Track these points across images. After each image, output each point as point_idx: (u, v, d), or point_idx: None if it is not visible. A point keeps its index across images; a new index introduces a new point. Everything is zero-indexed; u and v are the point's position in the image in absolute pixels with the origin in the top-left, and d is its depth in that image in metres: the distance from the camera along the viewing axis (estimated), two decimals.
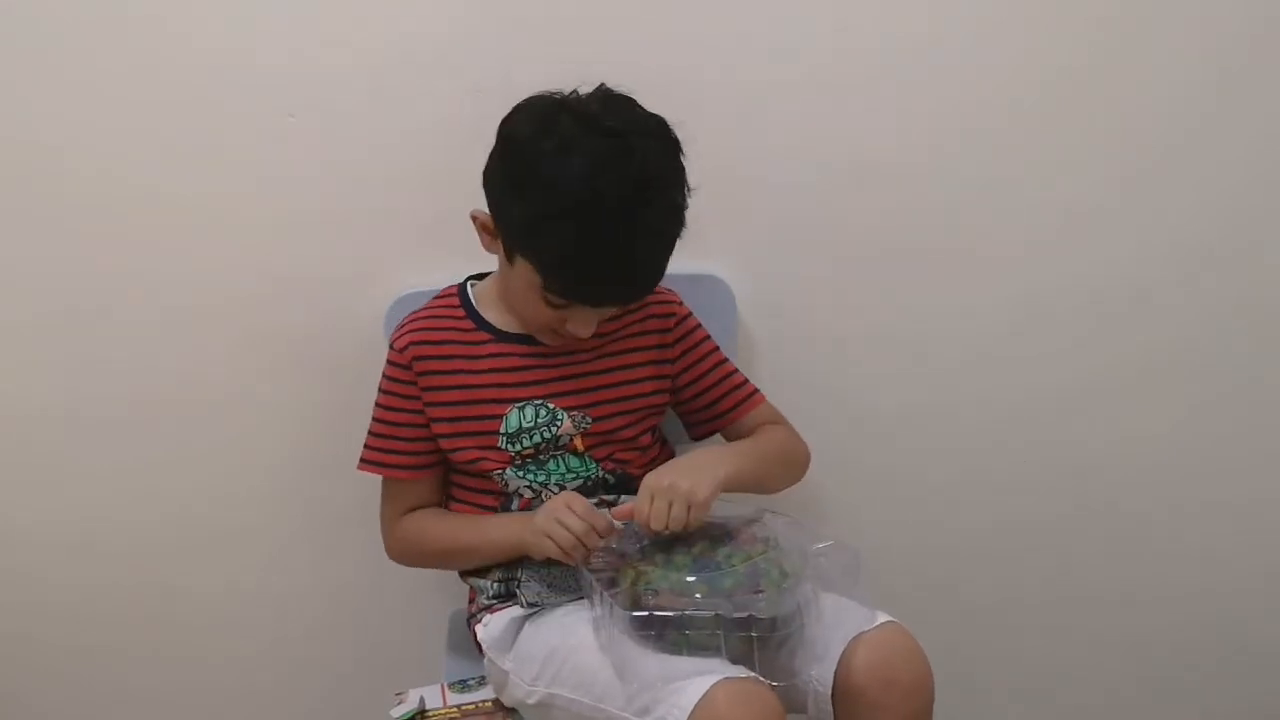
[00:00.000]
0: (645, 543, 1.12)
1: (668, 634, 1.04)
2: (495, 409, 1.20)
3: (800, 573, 1.08)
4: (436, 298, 1.27)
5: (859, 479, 1.50)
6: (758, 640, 1.05)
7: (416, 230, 1.36)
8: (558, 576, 1.18)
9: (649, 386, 1.25)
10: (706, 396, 1.29)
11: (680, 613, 1.04)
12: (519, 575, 1.20)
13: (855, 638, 1.08)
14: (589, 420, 1.22)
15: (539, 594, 1.18)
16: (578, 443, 1.21)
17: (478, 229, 1.18)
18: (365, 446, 1.25)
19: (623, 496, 1.21)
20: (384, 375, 1.24)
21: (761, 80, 1.35)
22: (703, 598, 1.05)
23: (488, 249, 1.19)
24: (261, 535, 1.45)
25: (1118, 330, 1.49)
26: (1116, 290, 1.47)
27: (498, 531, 1.20)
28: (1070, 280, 1.46)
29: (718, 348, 1.30)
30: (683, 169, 1.12)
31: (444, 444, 1.22)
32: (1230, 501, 1.56)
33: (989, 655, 1.61)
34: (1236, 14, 1.39)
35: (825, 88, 1.36)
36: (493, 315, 1.23)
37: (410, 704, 1.22)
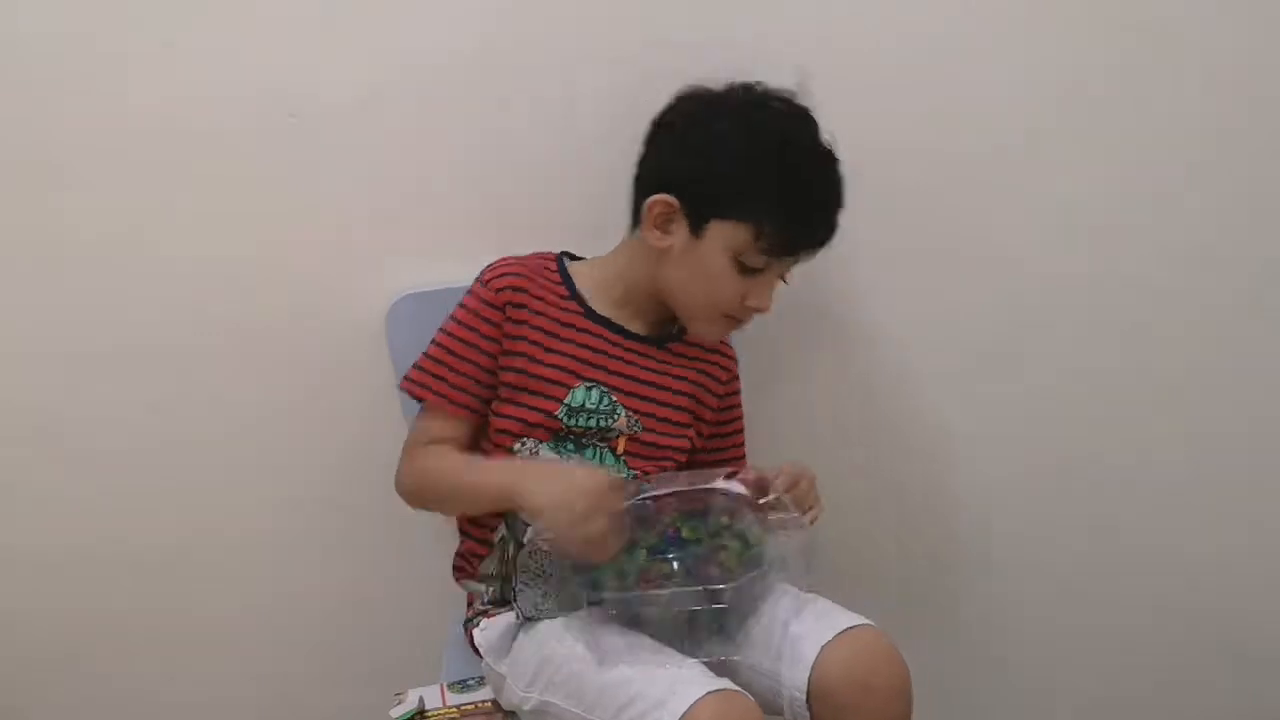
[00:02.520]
0: None
1: (630, 615, 1.07)
2: (566, 378, 1.21)
3: (763, 542, 1.10)
4: (534, 254, 1.27)
5: (851, 480, 1.50)
6: (717, 614, 1.07)
7: (416, 230, 1.36)
8: (551, 588, 1.17)
9: (690, 419, 1.28)
10: (711, 443, 1.33)
11: (635, 594, 1.06)
12: (515, 586, 1.19)
13: (829, 641, 1.08)
14: (639, 426, 1.23)
15: (536, 605, 1.17)
16: (620, 444, 1.22)
17: (651, 216, 1.18)
18: (419, 369, 1.23)
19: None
20: (464, 306, 1.23)
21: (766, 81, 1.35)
22: (659, 577, 1.07)
23: (654, 241, 1.19)
24: (261, 535, 1.45)
25: (1116, 336, 1.49)
26: (1114, 296, 1.47)
27: (498, 470, 1.18)
28: (1069, 284, 1.47)
29: (742, 414, 1.35)
30: None
31: (505, 393, 1.22)
32: (1231, 507, 1.57)
33: (978, 661, 1.61)
34: (1241, 16, 1.39)
35: (825, 88, 1.36)
36: (587, 293, 1.25)
37: (409, 704, 1.22)
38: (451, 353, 1.22)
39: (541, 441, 1.21)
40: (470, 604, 1.27)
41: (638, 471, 1.23)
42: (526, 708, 1.15)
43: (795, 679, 1.08)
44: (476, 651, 1.24)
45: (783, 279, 1.22)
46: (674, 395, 1.26)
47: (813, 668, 1.08)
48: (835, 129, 1.34)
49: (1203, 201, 1.45)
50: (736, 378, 1.34)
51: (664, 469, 1.25)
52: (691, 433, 1.28)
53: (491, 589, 1.23)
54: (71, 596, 1.44)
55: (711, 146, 1.16)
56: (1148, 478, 1.55)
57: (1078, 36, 1.39)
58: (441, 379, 1.22)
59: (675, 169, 1.19)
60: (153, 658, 1.49)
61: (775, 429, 1.42)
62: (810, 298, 1.43)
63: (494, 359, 1.21)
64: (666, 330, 1.28)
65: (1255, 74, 1.41)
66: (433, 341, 1.23)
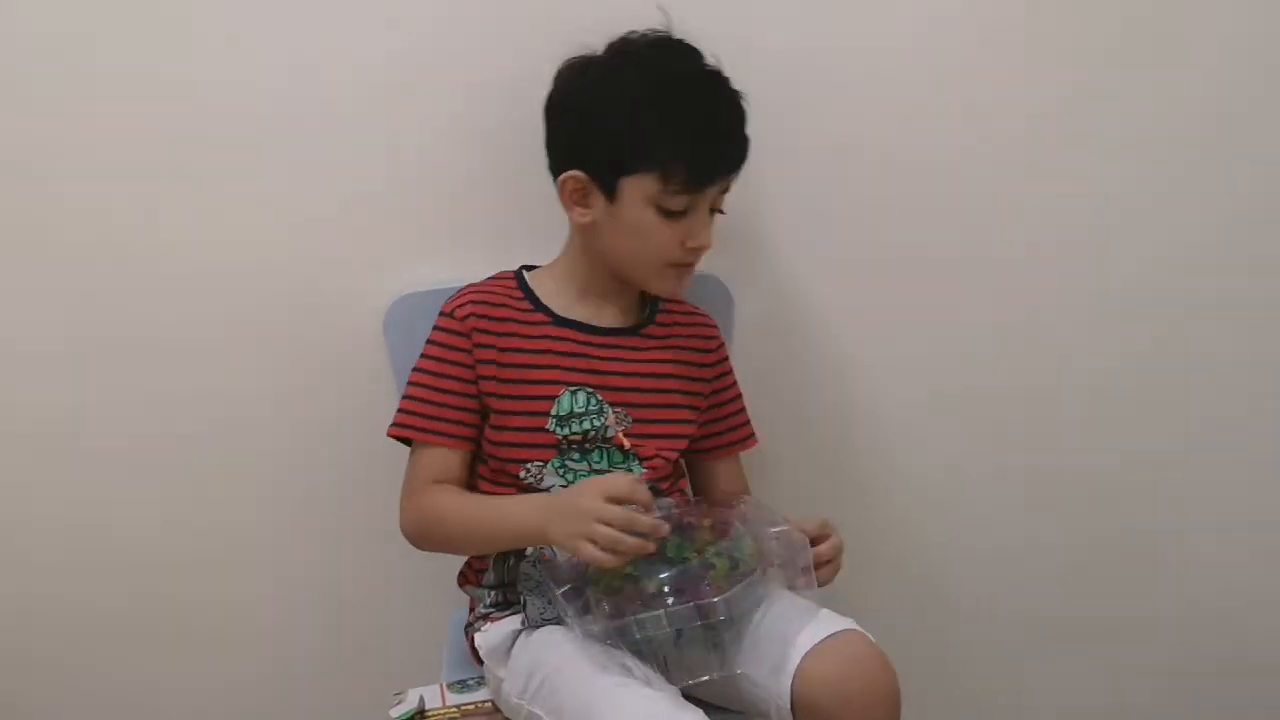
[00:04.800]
0: None
1: (627, 636, 1.05)
2: (549, 389, 1.21)
3: (753, 561, 1.08)
4: (490, 279, 1.27)
5: (853, 481, 1.50)
6: (709, 630, 1.06)
7: (416, 230, 1.36)
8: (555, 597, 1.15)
9: (686, 400, 1.27)
10: (713, 426, 1.31)
11: (633, 617, 1.04)
12: (521, 596, 1.19)
13: (812, 648, 1.06)
14: (629, 419, 1.22)
15: (542, 612, 1.17)
16: (622, 439, 1.21)
17: (565, 195, 1.19)
18: (401, 411, 1.22)
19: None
20: (433, 342, 1.23)
21: (761, 81, 1.34)
22: (650, 595, 1.05)
23: (578, 218, 1.20)
24: (261, 535, 1.45)
25: (1120, 337, 1.49)
26: (1119, 296, 1.48)
27: (515, 514, 1.16)
28: (1073, 286, 1.47)
29: (736, 382, 1.33)
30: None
31: (494, 419, 1.21)
32: (1234, 510, 1.57)
33: (978, 665, 1.61)
34: (1245, 17, 1.40)
35: (825, 89, 1.36)
36: (550, 299, 1.25)
37: (409, 704, 1.22)
38: (429, 388, 1.21)
39: (545, 462, 1.20)
40: (472, 609, 1.27)
41: (648, 469, 1.22)
42: (520, 716, 1.14)
43: (779, 688, 1.07)
44: (476, 657, 1.23)
45: (718, 210, 1.21)
46: (659, 380, 1.25)
47: (795, 676, 1.06)
48: (835, 130, 1.35)
49: (1203, 200, 1.45)
50: (723, 346, 1.32)
51: (672, 449, 1.24)
52: (688, 413, 1.27)
53: (494, 594, 1.23)
54: (70, 596, 1.44)
55: (591, 108, 1.17)
56: (1148, 479, 1.55)
57: (1085, 40, 1.39)
58: (433, 417, 1.21)
59: (569, 143, 1.19)
60: (152, 657, 1.49)
61: (767, 429, 1.42)
62: (803, 299, 1.43)
63: (473, 384, 1.21)
64: (638, 316, 1.27)
65: (1255, 73, 1.42)
66: (409, 383, 1.23)
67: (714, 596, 1.04)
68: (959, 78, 1.38)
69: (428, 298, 1.32)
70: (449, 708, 1.23)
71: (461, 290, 1.25)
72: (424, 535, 1.21)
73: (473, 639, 1.24)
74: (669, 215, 1.15)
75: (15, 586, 1.43)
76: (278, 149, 1.31)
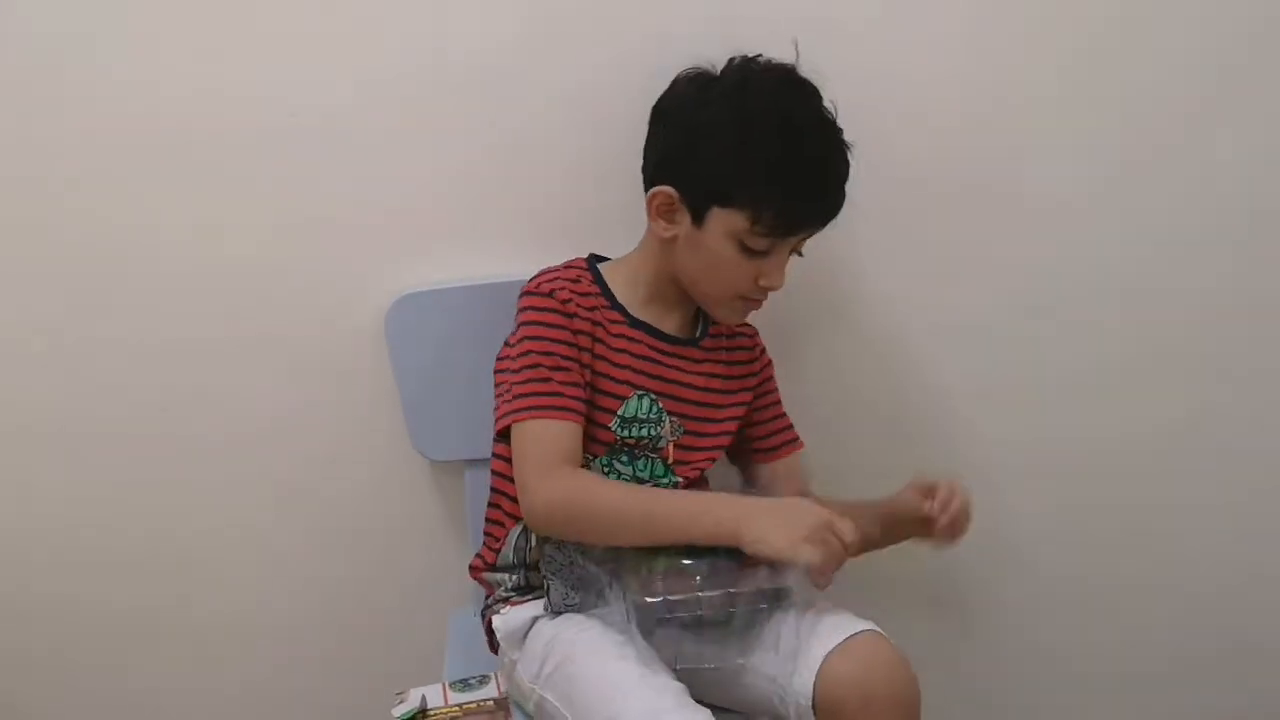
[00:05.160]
0: None
1: (681, 619, 1.05)
2: (620, 389, 1.19)
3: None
4: (566, 264, 1.24)
5: (859, 475, 1.49)
6: (758, 614, 1.07)
7: (416, 230, 1.36)
8: (580, 580, 1.16)
9: (732, 413, 1.27)
10: (759, 429, 1.31)
11: (694, 595, 1.05)
12: (545, 580, 1.18)
13: (834, 648, 1.07)
14: (682, 430, 1.22)
15: (565, 598, 1.16)
16: (669, 452, 1.21)
17: (653, 211, 1.18)
18: (520, 396, 1.14)
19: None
20: (533, 322, 1.16)
21: None
22: (704, 579, 1.06)
23: (661, 232, 1.18)
24: (262, 535, 1.45)
25: (1117, 324, 1.49)
26: (1116, 283, 1.48)
27: (701, 509, 1.10)
28: (1074, 278, 1.47)
29: (777, 388, 1.33)
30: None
31: None
32: (1233, 497, 1.57)
33: (986, 659, 1.61)
34: (1237, 7, 1.40)
35: (823, 89, 1.36)
36: (622, 297, 1.23)
37: (411, 703, 1.22)
38: (551, 367, 1.15)
39: (596, 457, 1.19)
40: (490, 593, 1.26)
41: (682, 480, 1.22)
42: (531, 702, 1.15)
43: (800, 686, 1.07)
44: (490, 640, 1.23)
45: (797, 252, 1.20)
46: (709, 393, 1.25)
47: (817, 675, 1.06)
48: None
49: (1204, 199, 1.46)
50: (765, 353, 1.32)
51: (709, 460, 1.25)
52: (731, 425, 1.27)
53: (515, 576, 1.22)
54: (71, 596, 1.44)
55: (701, 133, 1.15)
56: (1155, 477, 1.55)
57: (1077, 27, 1.39)
58: (558, 394, 1.14)
59: (670, 158, 1.17)
60: (153, 657, 1.48)
61: None
62: (815, 296, 1.43)
63: (579, 363, 1.16)
64: (696, 327, 1.27)
65: (1258, 65, 1.42)
66: (514, 372, 1.16)
67: (764, 576, 1.06)
68: (959, 74, 1.38)
69: (428, 298, 1.32)
70: (451, 706, 1.23)
71: (543, 274, 1.21)
72: (569, 519, 1.12)
73: (490, 621, 1.23)
74: (749, 253, 1.15)
75: (15, 588, 1.43)
76: (278, 149, 1.31)
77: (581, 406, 1.16)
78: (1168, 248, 1.47)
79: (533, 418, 1.13)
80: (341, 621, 1.50)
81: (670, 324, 1.24)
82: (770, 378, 1.33)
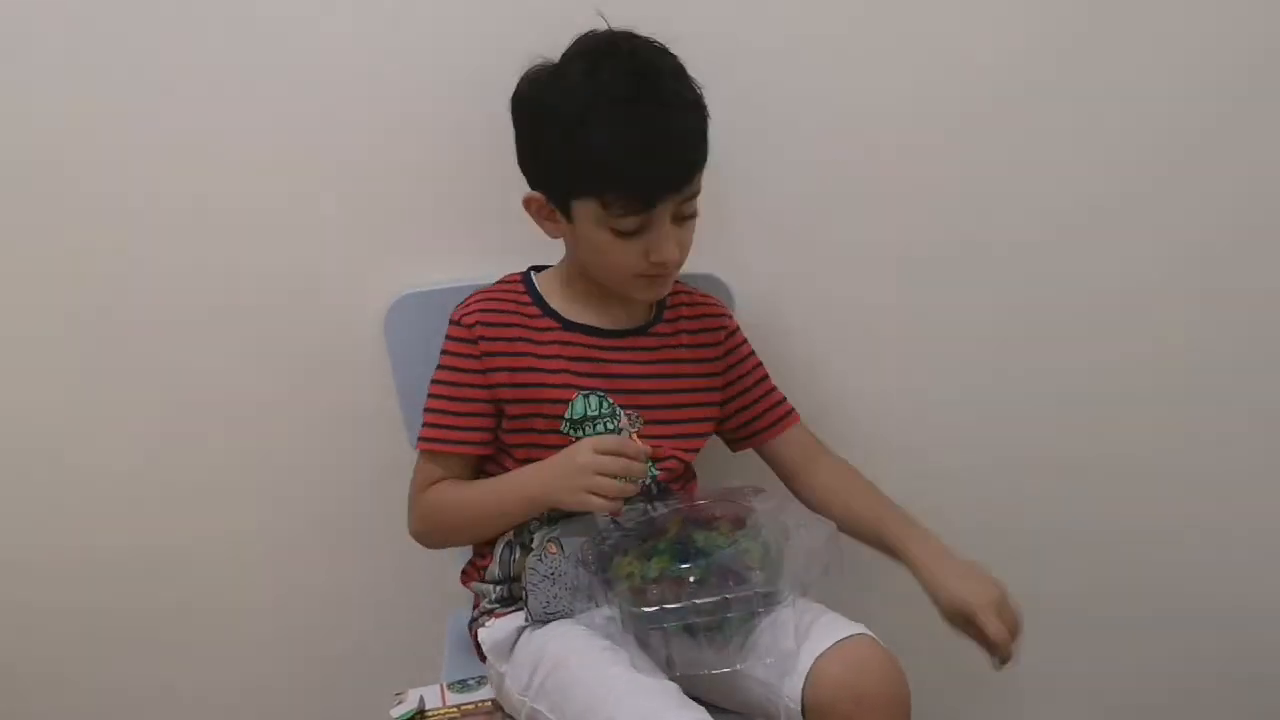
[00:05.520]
0: (617, 535, 1.13)
1: (671, 624, 1.05)
2: (561, 394, 1.19)
3: (782, 545, 1.09)
4: (499, 282, 1.26)
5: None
6: (751, 619, 1.07)
7: (416, 230, 1.36)
8: (562, 589, 1.16)
9: (701, 398, 1.26)
10: (747, 413, 1.30)
11: (689, 602, 1.05)
12: (524, 591, 1.18)
13: (824, 652, 1.07)
14: (641, 421, 1.22)
15: (546, 607, 1.17)
16: (636, 440, 1.20)
17: (533, 215, 1.19)
18: (426, 425, 1.22)
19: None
20: (446, 351, 1.21)
21: (759, 81, 1.35)
22: (697, 582, 1.06)
23: (551, 234, 1.19)
24: (262, 535, 1.45)
25: (1118, 337, 1.49)
26: (1114, 293, 1.47)
27: (514, 486, 1.18)
28: (1072, 280, 1.46)
29: (760, 363, 1.32)
30: (680, 63, 1.14)
31: (509, 424, 1.20)
32: (1234, 509, 1.57)
33: (980, 669, 1.61)
34: (1242, 16, 1.40)
35: (822, 90, 1.36)
36: (557, 303, 1.24)
37: (410, 704, 1.22)
38: (450, 399, 1.21)
39: None
40: (476, 604, 1.27)
41: (661, 472, 1.21)
42: (522, 714, 1.14)
43: (790, 690, 1.07)
44: (479, 653, 1.23)
45: (683, 217, 1.15)
46: (669, 380, 1.24)
47: (807, 678, 1.06)
48: (834, 129, 1.35)
49: (1202, 198, 1.45)
50: (734, 330, 1.30)
51: (688, 448, 1.24)
52: (704, 410, 1.26)
53: (499, 589, 1.23)
54: (71, 596, 1.44)
55: (533, 127, 1.15)
56: (1153, 480, 1.55)
57: (1080, 36, 1.39)
58: (453, 428, 1.20)
59: (523, 163, 1.18)
60: (151, 658, 1.49)
61: None
62: (810, 297, 1.43)
63: (486, 390, 1.20)
64: (646, 315, 1.26)
65: (1256, 72, 1.42)
66: (429, 394, 1.22)
67: (759, 579, 1.06)
68: (958, 73, 1.38)
69: (428, 298, 1.32)
70: (449, 708, 1.23)
71: (469, 298, 1.23)
72: (431, 529, 1.24)
73: (476, 634, 1.23)
74: (625, 235, 1.13)
75: (15, 588, 1.43)
76: (278, 148, 1.31)
77: (474, 436, 1.21)
78: (1165, 253, 1.47)
79: (422, 448, 1.22)
80: (341, 622, 1.50)
81: (615, 318, 1.24)
82: (746, 356, 1.31)
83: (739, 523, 1.12)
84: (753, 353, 1.32)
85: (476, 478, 1.24)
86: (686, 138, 1.12)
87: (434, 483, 1.22)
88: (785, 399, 1.32)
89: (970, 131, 1.40)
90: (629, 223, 1.12)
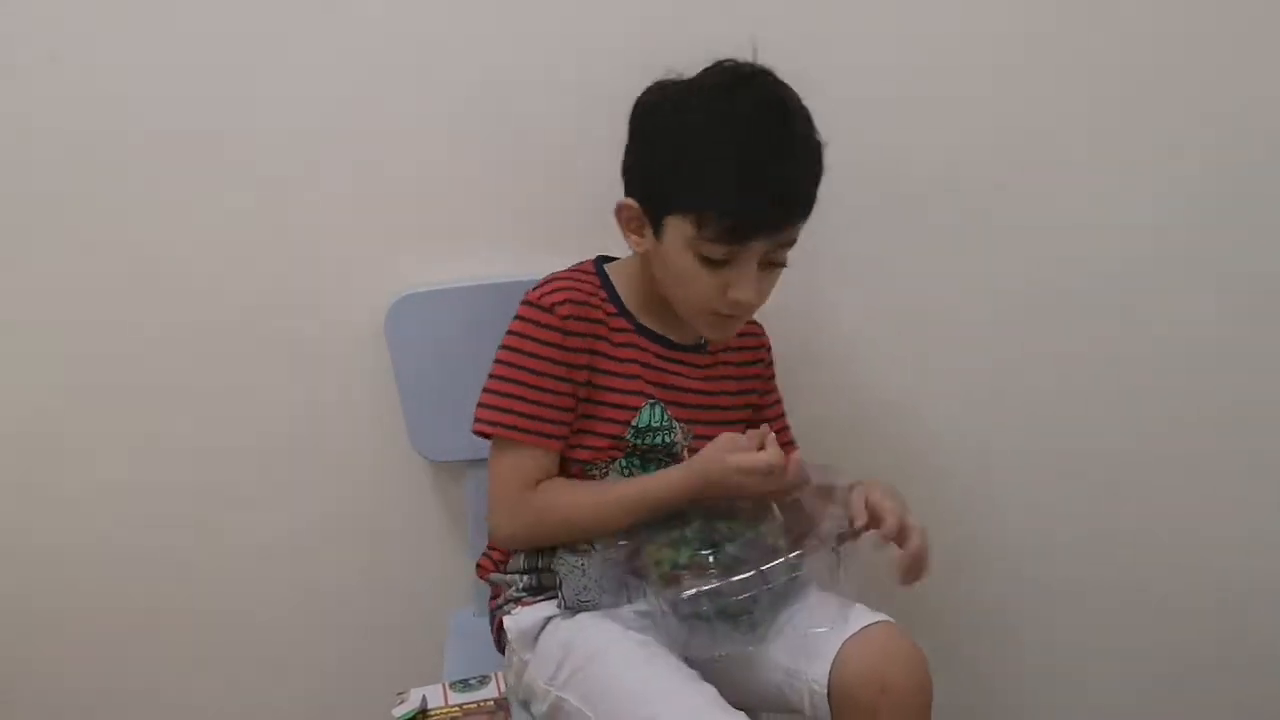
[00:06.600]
0: (641, 527, 1.13)
1: (706, 609, 1.06)
2: (632, 400, 1.18)
3: (806, 527, 1.10)
4: (574, 268, 1.22)
5: (860, 473, 1.50)
6: (780, 598, 1.09)
7: (416, 230, 1.36)
8: (593, 579, 1.16)
9: (740, 415, 1.27)
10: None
11: (726, 580, 1.06)
12: (558, 579, 1.17)
13: (849, 638, 1.08)
14: (692, 436, 1.21)
15: (579, 596, 1.16)
16: (685, 456, 1.19)
17: (621, 223, 1.17)
18: (491, 408, 1.15)
19: None
20: (524, 335, 1.15)
21: None
22: (728, 564, 1.07)
23: (635, 246, 1.17)
24: (262, 535, 1.45)
25: (1120, 334, 1.49)
26: (1119, 288, 1.48)
27: (662, 491, 1.13)
28: (1076, 276, 1.47)
29: (778, 393, 1.33)
30: (809, 111, 1.12)
31: (579, 423, 1.17)
32: (1233, 506, 1.57)
33: (992, 656, 1.62)
34: (1238, 16, 1.40)
35: (822, 87, 1.36)
36: (632, 305, 1.22)
37: (412, 703, 1.22)
38: (525, 384, 1.14)
39: (613, 460, 1.19)
40: (496, 595, 1.25)
41: None
42: (544, 706, 1.14)
43: (815, 675, 1.08)
44: (498, 642, 1.23)
45: (775, 264, 1.14)
46: (717, 397, 1.24)
47: (832, 664, 1.07)
48: (833, 129, 1.35)
49: (1202, 197, 1.46)
50: (769, 352, 1.31)
51: None
52: (740, 428, 1.24)
53: (527, 578, 1.21)
54: (71, 596, 1.44)
55: (649, 137, 1.14)
56: (1153, 476, 1.55)
57: (1079, 34, 1.39)
58: (525, 415, 1.14)
59: (628, 167, 1.16)
60: (151, 657, 1.48)
61: None
62: (810, 296, 1.43)
63: (572, 384, 1.15)
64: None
65: (1255, 71, 1.42)
66: (495, 376, 1.16)
67: (781, 565, 1.07)
68: (961, 72, 1.38)
69: (428, 298, 1.32)
70: (451, 707, 1.23)
71: (549, 281, 1.18)
72: (541, 537, 1.18)
73: (499, 622, 1.22)
74: (710, 263, 1.10)
75: (15, 588, 1.43)
76: (278, 149, 1.31)
77: (560, 430, 1.16)
78: (1166, 251, 1.47)
79: (508, 437, 1.14)
80: (341, 621, 1.50)
81: (679, 330, 1.23)
82: (772, 376, 1.32)
83: (760, 511, 1.13)
84: (774, 376, 1.32)
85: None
86: (801, 182, 1.11)
87: (531, 481, 1.16)
88: (789, 428, 1.33)
89: (979, 129, 1.40)
90: (718, 250, 1.09)
